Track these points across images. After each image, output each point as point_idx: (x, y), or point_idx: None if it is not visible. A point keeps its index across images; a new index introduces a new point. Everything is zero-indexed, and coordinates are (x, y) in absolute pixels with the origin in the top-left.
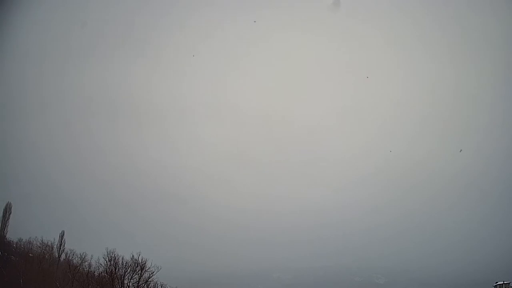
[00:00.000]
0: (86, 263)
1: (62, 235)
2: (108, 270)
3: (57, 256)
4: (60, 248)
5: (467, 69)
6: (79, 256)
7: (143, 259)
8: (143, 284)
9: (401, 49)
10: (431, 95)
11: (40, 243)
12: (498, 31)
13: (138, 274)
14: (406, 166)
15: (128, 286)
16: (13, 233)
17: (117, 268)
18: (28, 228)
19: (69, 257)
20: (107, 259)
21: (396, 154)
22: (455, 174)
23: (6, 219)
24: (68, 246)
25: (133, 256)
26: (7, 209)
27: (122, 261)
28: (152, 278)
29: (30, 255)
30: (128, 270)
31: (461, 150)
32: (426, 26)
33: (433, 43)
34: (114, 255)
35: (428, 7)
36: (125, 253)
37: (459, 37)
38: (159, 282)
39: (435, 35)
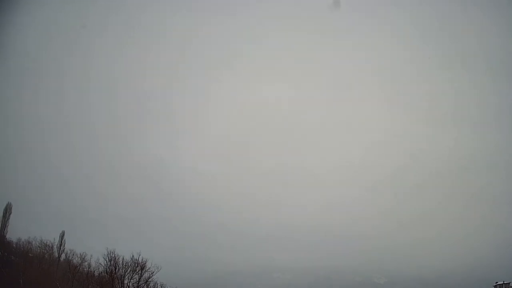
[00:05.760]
0: (86, 263)
1: (62, 235)
2: (108, 270)
3: (57, 256)
4: (60, 248)
5: (476, 66)
6: (79, 256)
7: (143, 259)
8: (143, 284)
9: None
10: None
11: (40, 243)
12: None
13: (138, 274)
14: (406, 167)
15: (128, 286)
16: (13, 233)
17: (117, 268)
18: (28, 228)
19: (69, 257)
20: (107, 259)
21: (396, 156)
22: (455, 175)
23: (6, 219)
24: (68, 246)
25: (133, 256)
26: (7, 209)
27: (122, 261)
28: (152, 278)
29: (30, 255)
30: (128, 270)
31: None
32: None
33: (441, 45)
34: (114, 255)
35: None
36: (126, 253)
37: (464, 36)
38: (159, 282)
39: (443, 37)
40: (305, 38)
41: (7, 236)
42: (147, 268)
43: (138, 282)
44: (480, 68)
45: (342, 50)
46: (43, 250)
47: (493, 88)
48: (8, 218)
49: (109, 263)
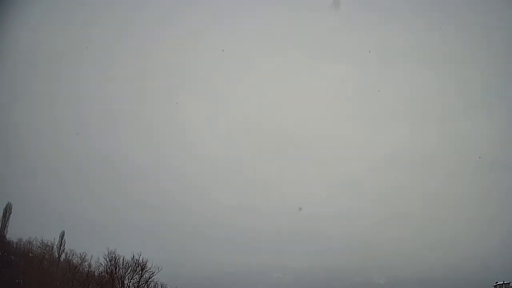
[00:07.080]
0: (86, 263)
1: (62, 235)
2: (108, 270)
3: (57, 256)
4: (60, 248)
5: (474, 72)
6: (79, 256)
7: (144, 260)
8: (144, 284)
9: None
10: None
11: (40, 243)
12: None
13: (139, 274)
14: (404, 167)
15: (129, 286)
16: (13, 233)
17: (117, 268)
18: (28, 228)
19: (69, 257)
20: (107, 259)
21: (394, 154)
22: (453, 173)
23: (6, 219)
24: (68, 246)
25: (133, 256)
26: (7, 209)
27: (123, 262)
28: (152, 278)
29: (30, 255)
30: (129, 271)
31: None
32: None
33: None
34: (115, 255)
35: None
36: (126, 253)
37: (466, 43)
38: (159, 282)
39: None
40: (304, 39)
41: (7, 236)
42: (147, 269)
43: (139, 283)
44: (474, 65)
45: (342, 50)
46: (43, 250)
47: (488, 84)
48: (8, 218)
49: (109, 263)
